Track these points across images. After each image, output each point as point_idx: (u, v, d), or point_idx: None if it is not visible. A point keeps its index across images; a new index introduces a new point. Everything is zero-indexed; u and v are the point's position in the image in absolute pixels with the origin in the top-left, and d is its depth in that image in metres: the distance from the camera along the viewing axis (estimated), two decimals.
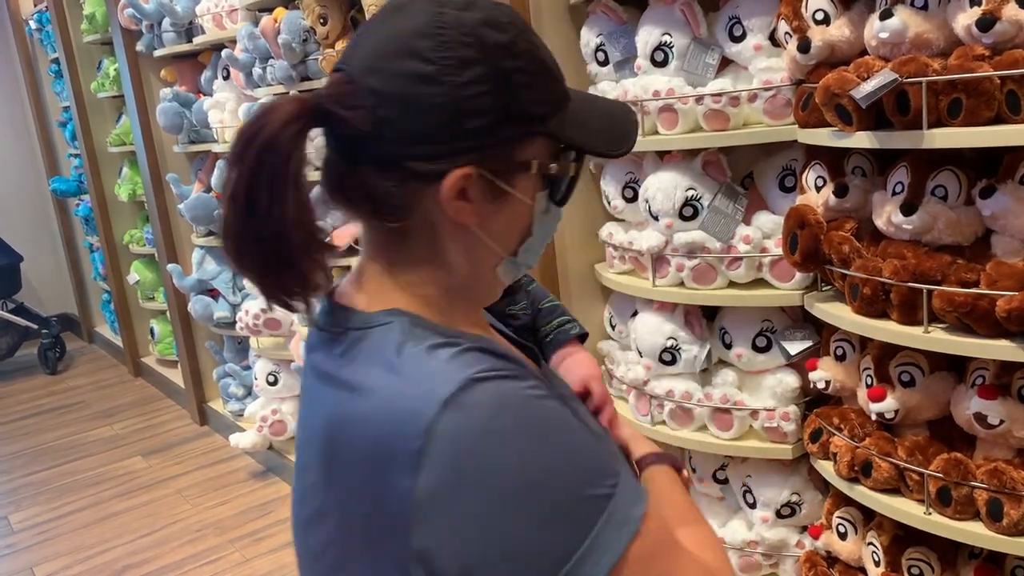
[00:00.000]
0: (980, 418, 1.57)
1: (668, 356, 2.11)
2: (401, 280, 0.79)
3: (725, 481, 2.22)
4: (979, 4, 1.45)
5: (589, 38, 2.20)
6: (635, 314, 2.26)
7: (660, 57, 2.00)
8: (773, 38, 1.87)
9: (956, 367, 1.68)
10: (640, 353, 2.18)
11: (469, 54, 0.71)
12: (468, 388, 0.68)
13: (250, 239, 0.71)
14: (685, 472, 0.97)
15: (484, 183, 0.74)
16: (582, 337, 1.17)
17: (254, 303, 3.48)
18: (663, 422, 2.18)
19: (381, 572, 0.70)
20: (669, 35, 1.99)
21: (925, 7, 1.55)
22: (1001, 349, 1.49)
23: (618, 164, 2.23)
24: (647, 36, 2.02)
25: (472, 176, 0.73)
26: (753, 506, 2.10)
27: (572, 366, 1.09)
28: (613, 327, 2.44)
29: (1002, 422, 1.54)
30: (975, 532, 1.58)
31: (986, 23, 1.42)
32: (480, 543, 0.66)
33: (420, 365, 0.71)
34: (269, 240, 0.70)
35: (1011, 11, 1.41)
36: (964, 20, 1.47)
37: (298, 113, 0.70)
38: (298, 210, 0.70)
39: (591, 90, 2.21)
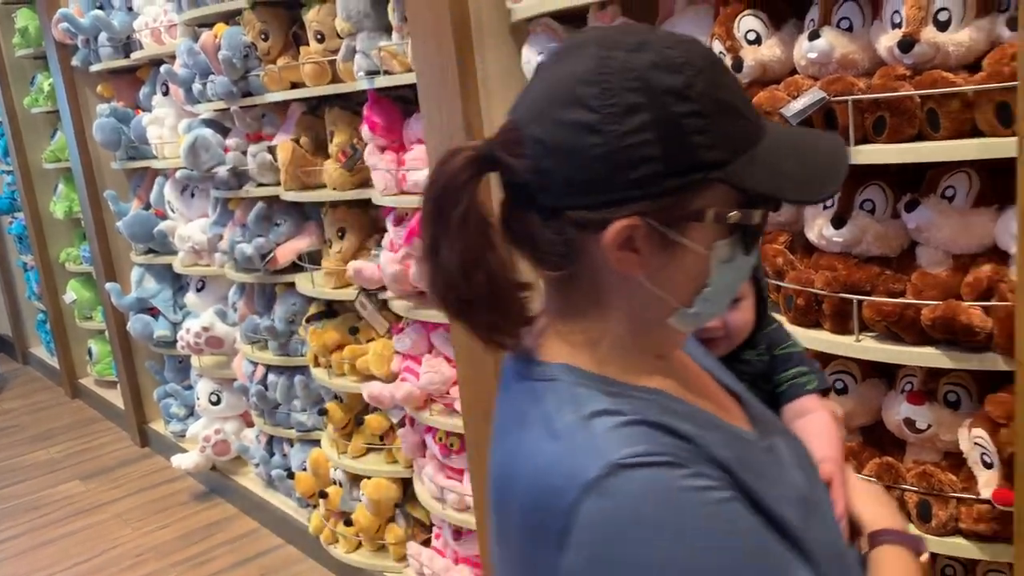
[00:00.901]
0: (909, 423, 1.63)
1: None
2: (566, 330, 0.78)
3: None
4: (900, 27, 1.51)
5: (530, 56, 2.23)
6: None
7: None
8: None
9: (887, 374, 1.74)
10: None
11: (634, 100, 0.68)
12: (615, 474, 0.65)
13: (442, 285, 0.73)
14: (925, 555, 0.88)
15: (653, 233, 0.71)
16: (824, 392, 1.07)
17: (195, 322, 3.43)
18: None
19: None
20: None
21: (850, 29, 1.62)
22: (927, 356, 1.55)
23: None
24: None
25: (638, 226, 0.70)
26: None
27: (804, 432, 0.97)
28: None
29: (929, 426, 1.60)
30: None
31: (906, 45, 1.48)
32: None
33: (574, 436, 0.69)
34: (459, 284, 0.72)
35: (929, 34, 1.47)
36: (886, 42, 1.53)
37: (469, 161, 0.71)
38: (477, 251, 0.71)
39: None
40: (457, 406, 2.38)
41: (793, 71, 1.73)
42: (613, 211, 0.70)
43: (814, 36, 1.62)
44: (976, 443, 1.52)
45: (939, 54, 1.48)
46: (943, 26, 1.47)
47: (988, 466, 1.51)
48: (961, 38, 1.46)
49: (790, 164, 0.74)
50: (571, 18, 2.17)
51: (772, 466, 0.80)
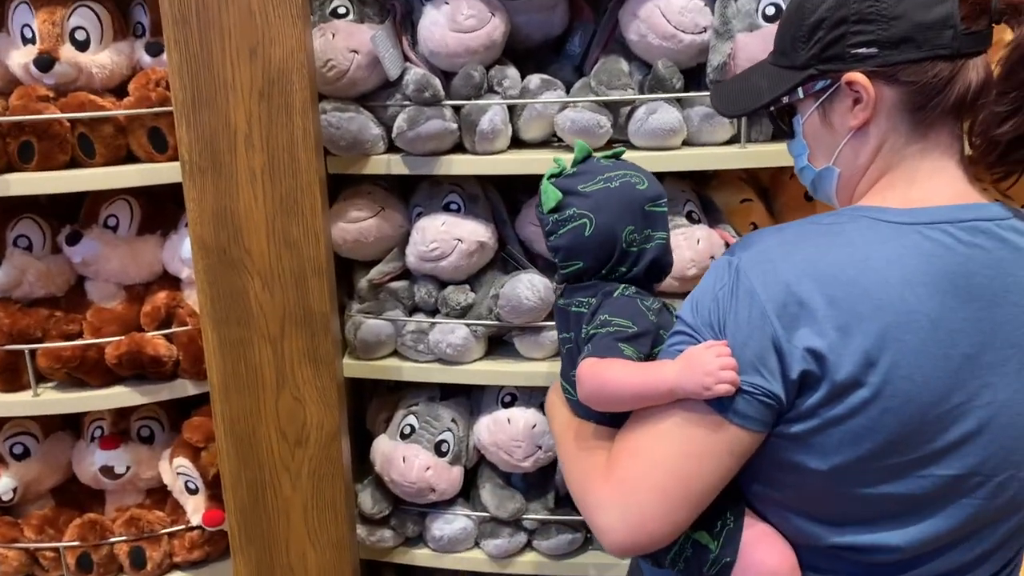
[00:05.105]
0: (107, 470, 1.52)
1: None
2: None
3: None
4: (33, 42, 1.37)
5: None
6: None
7: None
8: None
9: (71, 425, 1.59)
10: None
11: None
12: None
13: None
14: None
15: None
16: None
17: None
18: None
19: None
20: None
21: None
22: (117, 396, 1.47)
23: None
24: None
25: None
26: None
27: None
28: None
29: (129, 468, 1.53)
30: None
31: (45, 63, 1.35)
32: None
33: None
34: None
35: (68, 53, 1.37)
36: (20, 58, 1.37)
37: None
38: None
39: None
40: None
41: None
42: None
43: None
44: (179, 472, 1.50)
45: (83, 75, 1.39)
46: (83, 46, 1.38)
47: (194, 492, 1.51)
48: (103, 60, 1.40)
49: None
50: None
51: None
